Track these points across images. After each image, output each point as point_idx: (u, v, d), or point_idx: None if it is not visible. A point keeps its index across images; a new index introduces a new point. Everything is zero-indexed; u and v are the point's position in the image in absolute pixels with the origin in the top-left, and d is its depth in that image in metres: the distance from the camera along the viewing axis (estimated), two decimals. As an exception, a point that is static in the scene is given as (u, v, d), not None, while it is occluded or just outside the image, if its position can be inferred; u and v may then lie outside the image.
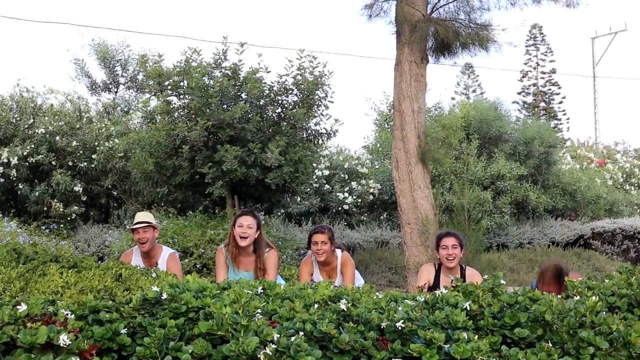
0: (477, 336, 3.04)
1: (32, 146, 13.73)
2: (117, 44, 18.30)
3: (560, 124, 45.58)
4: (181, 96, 11.27)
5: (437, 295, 3.61)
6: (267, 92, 11.34)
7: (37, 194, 13.48)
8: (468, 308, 3.39)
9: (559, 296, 3.80)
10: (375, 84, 62.79)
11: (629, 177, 23.77)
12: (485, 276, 4.00)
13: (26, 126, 14.25)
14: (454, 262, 6.34)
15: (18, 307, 2.90)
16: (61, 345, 2.67)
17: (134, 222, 6.61)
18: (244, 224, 6.27)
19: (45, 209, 13.80)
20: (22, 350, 2.67)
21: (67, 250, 6.83)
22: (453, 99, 34.99)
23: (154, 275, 4.96)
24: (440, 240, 6.47)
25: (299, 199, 14.62)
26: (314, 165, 12.92)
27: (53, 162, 13.94)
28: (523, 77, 47.57)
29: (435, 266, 6.52)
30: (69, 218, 13.78)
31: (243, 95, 11.18)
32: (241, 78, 11.24)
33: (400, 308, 3.23)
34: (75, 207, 13.84)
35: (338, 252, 6.72)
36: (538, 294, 3.59)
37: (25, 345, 2.66)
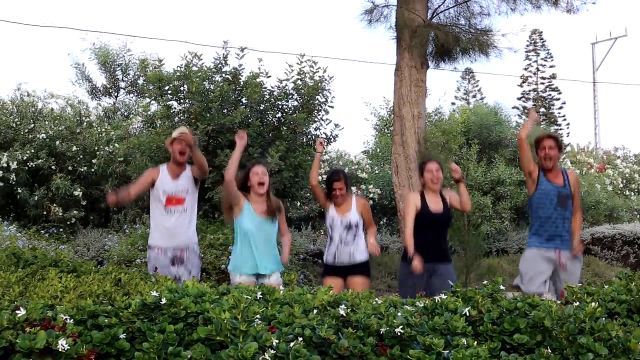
0: (476, 342, 3.04)
1: (32, 150, 13.75)
2: (118, 49, 18.34)
3: (560, 129, 45.60)
4: (181, 101, 11.27)
5: (436, 301, 3.60)
6: (267, 96, 11.34)
7: (36, 198, 13.49)
8: (467, 314, 3.39)
9: (558, 302, 3.80)
10: (375, 89, 62.92)
11: (628, 183, 23.76)
12: (485, 282, 4.00)
13: (26, 130, 14.27)
14: (438, 185, 7.01)
15: (17, 311, 2.90)
16: (60, 350, 2.66)
17: (176, 133, 6.96)
18: (258, 172, 6.69)
19: (44, 213, 13.80)
20: (20, 355, 2.67)
21: (67, 254, 6.83)
22: (453, 104, 35.09)
23: (153, 280, 4.96)
24: (424, 165, 7.13)
25: (298, 203, 14.61)
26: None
27: (53, 167, 13.95)
28: (523, 82, 47.60)
29: (419, 193, 7.13)
30: (68, 222, 13.79)
31: (243, 100, 11.18)
32: (241, 83, 11.24)
33: (399, 314, 3.23)
34: (75, 212, 13.85)
35: (353, 196, 7.32)
36: (537, 300, 3.59)
37: (24, 350, 2.65)
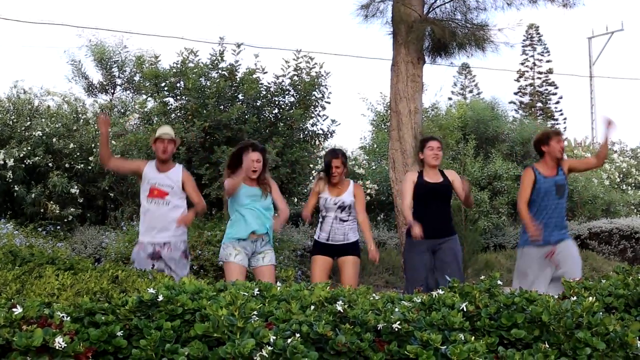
0: (473, 337, 3.03)
1: (29, 148, 13.72)
2: (114, 45, 18.31)
3: (557, 124, 45.65)
4: (178, 97, 11.26)
5: (433, 296, 3.60)
6: (263, 92, 11.34)
7: (33, 195, 13.46)
8: (465, 309, 3.38)
9: (556, 296, 3.80)
10: (371, 85, 62.85)
11: (625, 177, 23.80)
12: (482, 277, 4.00)
13: (23, 128, 14.24)
14: (438, 161, 7.12)
15: (14, 309, 2.89)
16: (57, 347, 2.65)
17: (159, 132, 7.06)
18: (254, 158, 6.80)
19: (41, 210, 13.78)
20: (17, 353, 2.66)
21: (64, 252, 6.83)
22: (450, 99, 35.07)
23: (150, 277, 4.95)
24: (426, 142, 7.23)
25: (296, 200, 14.60)
26: (311, 166, 12.91)
27: (50, 164, 13.92)
28: (520, 77, 47.65)
29: (417, 171, 7.28)
30: (65, 220, 13.77)
31: (240, 96, 11.18)
32: (238, 79, 11.23)
33: (396, 309, 3.22)
34: (72, 209, 13.83)
35: (350, 181, 7.39)
36: (535, 294, 3.59)
37: (21, 348, 2.65)
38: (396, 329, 3.00)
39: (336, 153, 7.31)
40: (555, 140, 7.04)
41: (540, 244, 6.79)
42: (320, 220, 7.31)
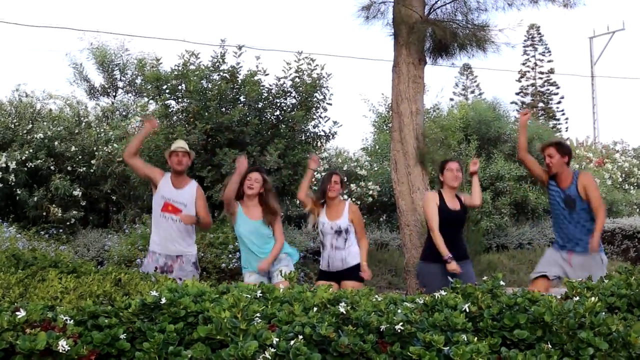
0: (476, 338, 3.03)
1: (31, 151, 13.74)
2: (116, 48, 18.33)
3: (559, 124, 45.66)
4: (179, 100, 11.27)
5: (436, 298, 3.60)
6: (265, 94, 11.34)
7: (35, 199, 13.48)
8: (467, 310, 3.38)
9: (558, 297, 3.80)
10: (373, 86, 62.81)
11: (628, 177, 23.76)
12: (484, 278, 4.00)
13: (25, 131, 14.26)
14: (457, 182, 7.23)
15: (17, 313, 2.89)
16: (60, 351, 2.66)
17: (174, 146, 7.25)
18: (251, 177, 6.97)
19: (44, 214, 13.80)
20: (21, 357, 2.66)
21: (67, 255, 6.83)
22: (451, 99, 35.01)
23: (153, 279, 4.96)
24: (445, 164, 7.33)
25: (298, 201, 14.62)
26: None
27: (52, 167, 13.94)
28: (521, 77, 47.67)
29: (437, 192, 7.35)
30: (68, 223, 13.79)
31: (241, 98, 11.18)
32: (239, 81, 11.24)
33: (399, 310, 3.22)
34: (74, 212, 13.85)
35: (346, 201, 7.50)
36: (537, 295, 3.59)
37: (25, 352, 2.65)
38: (399, 330, 3.00)
39: (336, 172, 7.55)
40: (544, 155, 7.15)
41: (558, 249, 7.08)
42: (321, 247, 7.47)
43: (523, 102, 46.57)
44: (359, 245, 7.33)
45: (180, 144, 7.28)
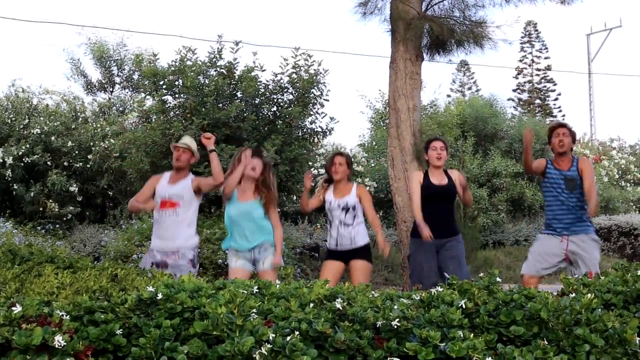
0: (472, 334, 3.03)
1: (28, 146, 13.73)
2: (114, 44, 18.30)
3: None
4: (176, 95, 11.26)
5: (432, 294, 3.60)
6: (262, 90, 11.33)
7: (32, 194, 13.48)
8: (464, 306, 3.39)
9: (555, 293, 3.81)
10: (370, 82, 62.81)
11: (624, 174, 23.80)
12: (481, 274, 4.00)
13: (21, 126, 14.25)
14: (441, 161, 7.22)
15: (13, 308, 2.89)
16: (56, 346, 2.66)
17: (180, 141, 7.28)
18: (253, 162, 6.99)
19: (40, 209, 13.80)
20: (17, 352, 2.66)
21: (63, 250, 6.84)
22: (449, 96, 35.09)
23: (149, 275, 4.95)
24: (429, 144, 7.36)
25: (295, 197, 14.62)
26: (310, 163, 12.93)
27: (48, 162, 13.94)
28: (518, 74, 47.66)
29: (423, 172, 7.43)
30: (64, 218, 13.79)
31: (238, 94, 11.17)
32: (236, 77, 11.23)
33: (395, 306, 3.22)
34: (71, 207, 13.85)
35: (354, 183, 7.46)
36: (534, 291, 3.59)
37: (20, 347, 2.65)
38: (395, 326, 3.00)
39: (340, 152, 7.53)
40: (554, 134, 7.17)
41: (550, 233, 7.03)
42: (328, 226, 7.39)
43: (520, 99, 46.59)
44: (371, 224, 7.33)
45: (185, 140, 7.29)
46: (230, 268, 6.95)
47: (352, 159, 17.82)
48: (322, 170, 16.33)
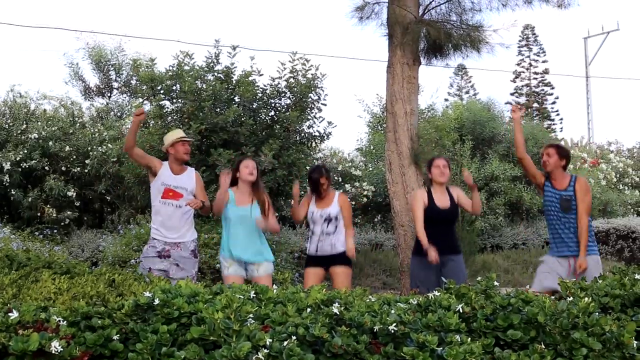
0: (470, 338, 3.04)
1: (25, 151, 13.71)
2: (112, 49, 18.29)
3: (554, 124, 45.74)
4: (174, 100, 11.25)
5: (429, 298, 3.60)
6: (260, 95, 11.32)
7: (30, 199, 13.45)
8: (461, 310, 3.39)
9: (552, 297, 3.81)
10: (368, 86, 62.93)
11: (622, 177, 23.78)
12: (479, 278, 4.00)
13: (19, 131, 14.23)
14: (444, 178, 7.36)
15: (10, 314, 2.89)
16: (53, 352, 2.66)
17: (179, 134, 7.29)
18: (249, 165, 7.10)
19: (38, 214, 13.77)
20: (14, 358, 2.66)
21: (61, 256, 6.84)
22: (446, 100, 35.11)
23: (147, 280, 4.95)
24: (432, 161, 7.51)
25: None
26: (308, 168, 12.91)
27: (46, 168, 13.91)
28: (516, 77, 47.76)
29: (426, 190, 7.54)
30: (62, 223, 13.76)
31: (236, 99, 11.16)
32: (234, 81, 11.23)
33: (392, 311, 3.23)
34: (69, 212, 13.83)
35: (335, 192, 7.65)
36: (531, 295, 3.59)
37: (17, 353, 2.65)
38: (392, 331, 3.01)
39: (321, 171, 7.54)
40: (543, 154, 7.19)
41: (553, 255, 7.03)
42: (310, 234, 7.53)
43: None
44: (346, 232, 7.41)
45: (181, 133, 7.34)
46: (223, 276, 7.01)
47: (350, 163, 17.87)
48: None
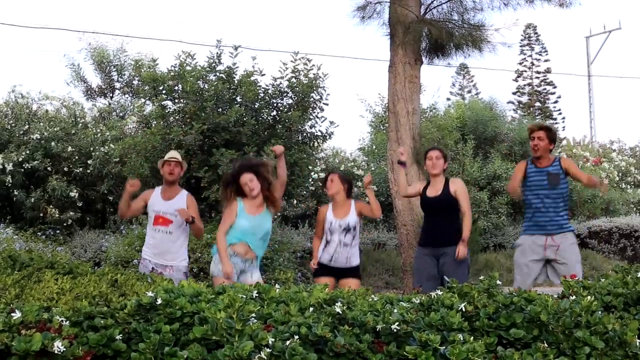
0: (472, 337, 3.03)
1: (28, 152, 13.72)
2: (114, 49, 18.30)
3: (556, 123, 45.64)
4: (176, 100, 11.26)
5: (432, 297, 3.60)
6: (262, 95, 11.33)
7: (32, 200, 13.47)
8: (463, 309, 3.38)
9: (555, 296, 3.80)
10: (370, 86, 62.83)
11: (624, 176, 23.79)
12: (481, 277, 4.00)
13: (21, 132, 14.25)
14: (436, 170, 7.30)
15: (12, 314, 2.89)
16: (56, 352, 2.65)
17: (167, 156, 7.27)
18: (246, 181, 6.75)
19: (41, 215, 13.79)
20: (16, 358, 2.66)
21: (63, 256, 6.86)
22: (448, 99, 35.08)
23: (149, 280, 4.96)
24: (427, 154, 7.49)
25: (295, 201, 14.60)
26: (310, 167, 12.91)
27: (48, 168, 13.93)
28: (518, 77, 47.65)
29: (425, 182, 7.60)
30: (65, 224, 13.78)
31: (238, 99, 11.17)
32: (236, 81, 11.24)
33: (395, 310, 3.22)
34: (71, 213, 13.84)
35: (352, 200, 7.46)
36: (534, 294, 3.59)
37: (20, 353, 2.65)
38: (395, 330, 3.00)
39: (334, 172, 7.73)
40: (530, 137, 7.25)
41: (532, 233, 7.11)
42: (325, 243, 7.37)
43: (520, 102, 46.60)
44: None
45: (172, 154, 7.30)
46: (215, 277, 6.67)
47: (353, 163, 17.88)
48: (322, 174, 16.35)
